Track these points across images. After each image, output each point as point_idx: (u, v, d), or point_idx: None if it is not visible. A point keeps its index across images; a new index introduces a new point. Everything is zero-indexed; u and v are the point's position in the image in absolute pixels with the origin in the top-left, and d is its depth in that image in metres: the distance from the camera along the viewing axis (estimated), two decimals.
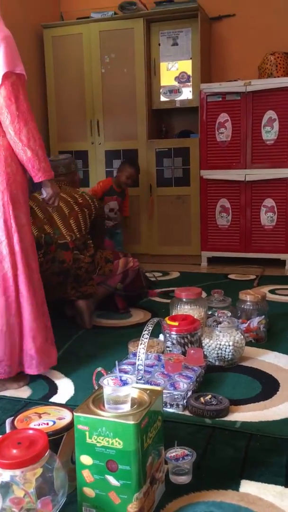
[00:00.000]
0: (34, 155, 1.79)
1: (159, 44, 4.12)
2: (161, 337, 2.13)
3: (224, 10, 4.20)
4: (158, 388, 1.23)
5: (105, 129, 4.24)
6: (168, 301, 2.46)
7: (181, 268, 3.93)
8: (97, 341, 2.34)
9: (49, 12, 4.49)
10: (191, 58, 4.05)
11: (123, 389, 1.12)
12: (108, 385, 1.13)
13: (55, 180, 2.75)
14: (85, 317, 2.51)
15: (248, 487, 1.26)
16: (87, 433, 1.11)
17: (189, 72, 4.09)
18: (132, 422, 1.07)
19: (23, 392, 1.82)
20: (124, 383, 1.14)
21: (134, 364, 1.73)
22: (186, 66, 4.10)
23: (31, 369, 1.85)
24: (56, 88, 4.32)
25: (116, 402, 1.13)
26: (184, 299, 2.25)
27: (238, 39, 4.21)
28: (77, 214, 2.57)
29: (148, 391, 1.20)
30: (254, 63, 4.00)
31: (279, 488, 1.25)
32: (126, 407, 1.14)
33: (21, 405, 1.72)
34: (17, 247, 1.80)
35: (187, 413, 1.63)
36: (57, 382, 1.90)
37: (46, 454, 1.10)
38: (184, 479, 1.28)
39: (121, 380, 1.15)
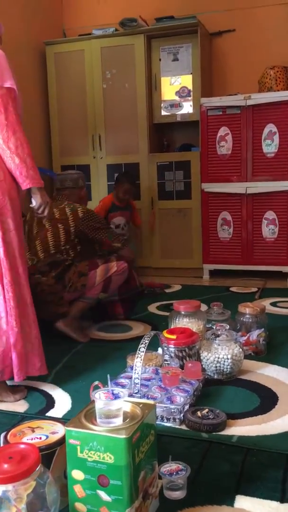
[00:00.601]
0: (22, 162, 1.82)
1: (160, 60, 4.16)
2: (160, 350, 2.12)
3: (224, 26, 4.25)
4: (151, 402, 1.23)
5: (106, 143, 4.28)
6: (168, 314, 2.46)
7: (183, 281, 3.93)
8: (96, 354, 2.34)
9: (52, 29, 4.56)
10: (191, 73, 4.09)
11: (114, 403, 1.12)
12: (100, 399, 1.13)
13: (60, 194, 2.78)
14: (71, 335, 2.51)
15: (243, 502, 1.24)
16: (78, 447, 1.11)
17: (190, 87, 4.12)
18: (123, 436, 1.06)
19: (20, 406, 1.82)
20: (116, 396, 1.14)
21: (131, 377, 1.73)
22: (186, 80, 4.14)
23: (15, 376, 1.83)
24: (58, 103, 4.37)
25: (108, 416, 1.13)
26: (182, 312, 2.25)
27: (238, 54, 4.25)
28: (46, 233, 2.58)
29: (141, 405, 1.20)
30: (254, 77, 4.03)
31: (275, 503, 1.23)
32: (118, 421, 1.13)
33: (17, 419, 1.71)
34: (0, 250, 1.80)
35: (184, 427, 1.62)
36: (54, 396, 1.90)
37: (37, 468, 1.09)
38: (178, 495, 1.26)
39: (113, 394, 1.15)
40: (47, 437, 1.24)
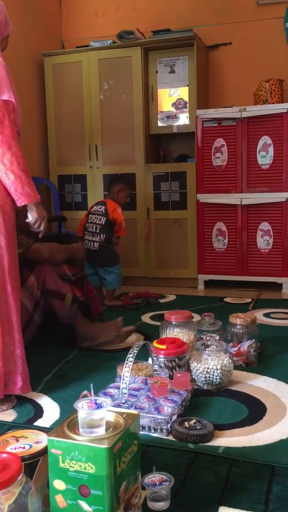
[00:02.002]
0: (17, 179, 1.80)
1: (157, 72, 4.21)
2: (150, 360, 2.12)
3: (220, 39, 4.30)
4: (135, 411, 1.23)
5: (103, 154, 4.31)
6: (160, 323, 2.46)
7: (177, 291, 3.93)
8: (87, 364, 2.34)
9: (51, 41, 4.61)
10: (187, 85, 4.13)
11: (97, 413, 1.12)
12: (82, 409, 1.13)
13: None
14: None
15: None
16: (60, 457, 1.11)
17: (186, 99, 4.16)
18: (104, 446, 1.06)
19: (8, 416, 1.82)
20: (99, 406, 1.14)
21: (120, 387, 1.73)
22: (183, 92, 4.18)
23: None
24: (56, 113, 4.41)
25: (90, 426, 1.13)
26: (173, 322, 2.26)
27: (234, 67, 4.30)
28: None
29: (124, 415, 1.20)
30: (249, 89, 4.07)
31: None
32: (101, 431, 1.13)
33: (5, 429, 1.71)
34: None
35: (171, 437, 1.62)
36: (43, 405, 1.90)
37: (19, 478, 1.09)
38: (161, 506, 1.26)
39: (96, 403, 1.15)
40: (30, 446, 1.25)
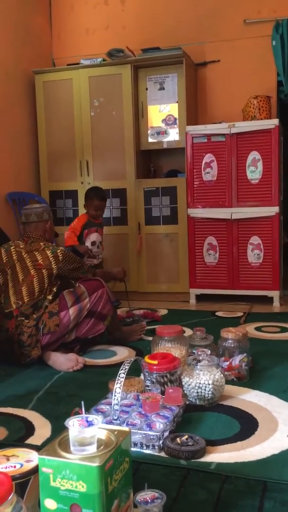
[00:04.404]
0: None
1: (147, 89, 4.27)
2: (142, 376, 2.12)
3: (209, 56, 4.38)
4: (126, 428, 1.23)
5: (94, 169, 4.34)
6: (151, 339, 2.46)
7: (169, 305, 3.94)
8: (79, 380, 2.33)
9: (41, 59, 4.67)
10: (177, 102, 4.19)
11: (87, 431, 1.12)
12: (73, 426, 1.13)
13: (26, 228, 2.83)
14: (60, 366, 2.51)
15: None
16: (51, 475, 1.10)
17: (176, 115, 4.22)
18: (95, 465, 1.06)
19: None
20: (90, 424, 1.14)
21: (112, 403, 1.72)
22: (172, 109, 4.24)
23: None
24: (47, 130, 4.45)
25: (81, 444, 1.13)
26: (165, 337, 2.26)
27: (223, 84, 4.37)
28: (32, 279, 2.62)
29: (115, 432, 1.20)
30: (238, 106, 4.14)
31: None
32: (92, 449, 1.13)
33: None
34: None
35: (163, 454, 1.62)
36: (34, 423, 1.88)
37: (10, 497, 1.08)
38: None
39: (87, 421, 1.15)
40: (21, 465, 1.24)
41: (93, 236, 3.83)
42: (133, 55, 4.25)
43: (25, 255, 2.70)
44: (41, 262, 2.66)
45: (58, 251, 2.73)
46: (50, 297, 2.64)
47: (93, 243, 3.83)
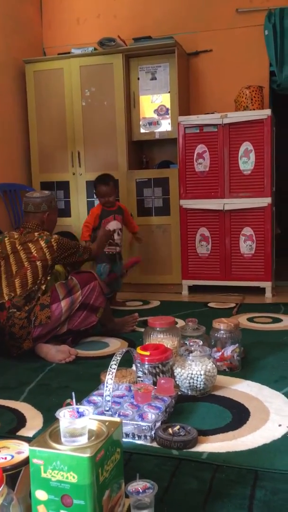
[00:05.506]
0: None
1: (138, 79, 4.23)
2: (134, 367, 2.12)
3: (201, 46, 4.35)
4: (117, 419, 1.22)
5: (86, 160, 4.30)
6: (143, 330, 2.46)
7: (162, 297, 3.94)
8: (71, 372, 2.33)
9: (32, 48, 4.61)
10: (169, 92, 4.16)
11: (78, 421, 1.12)
12: (64, 418, 1.12)
13: (24, 217, 2.82)
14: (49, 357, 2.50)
15: None
16: (42, 467, 1.10)
17: (168, 105, 4.19)
18: (86, 455, 1.06)
19: None
20: (81, 414, 1.13)
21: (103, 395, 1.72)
22: (165, 99, 4.20)
23: None
24: (37, 120, 4.40)
25: (72, 435, 1.12)
26: (157, 328, 2.25)
27: (215, 74, 4.34)
28: (26, 271, 2.60)
29: (106, 423, 1.19)
30: (230, 96, 4.11)
31: None
32: (83, 440, 1.13)
33: None
34: None
35: (155, 444, 1.62)
36: (26, 415, 1.88)
37: (0, 489, 1.08)
38: None
39: (78, 412, 1.14)
40: (12, 457, 1.23)
41: (111, 225, 3.60)
42: (124, 44, 4.21)
43: (19, 246, 2.66)
44: (35, 254, 2.63)
45: (52, 240, 2.68)
46: (43, 287, 2.62)
47: (113, 232, 3.56)
